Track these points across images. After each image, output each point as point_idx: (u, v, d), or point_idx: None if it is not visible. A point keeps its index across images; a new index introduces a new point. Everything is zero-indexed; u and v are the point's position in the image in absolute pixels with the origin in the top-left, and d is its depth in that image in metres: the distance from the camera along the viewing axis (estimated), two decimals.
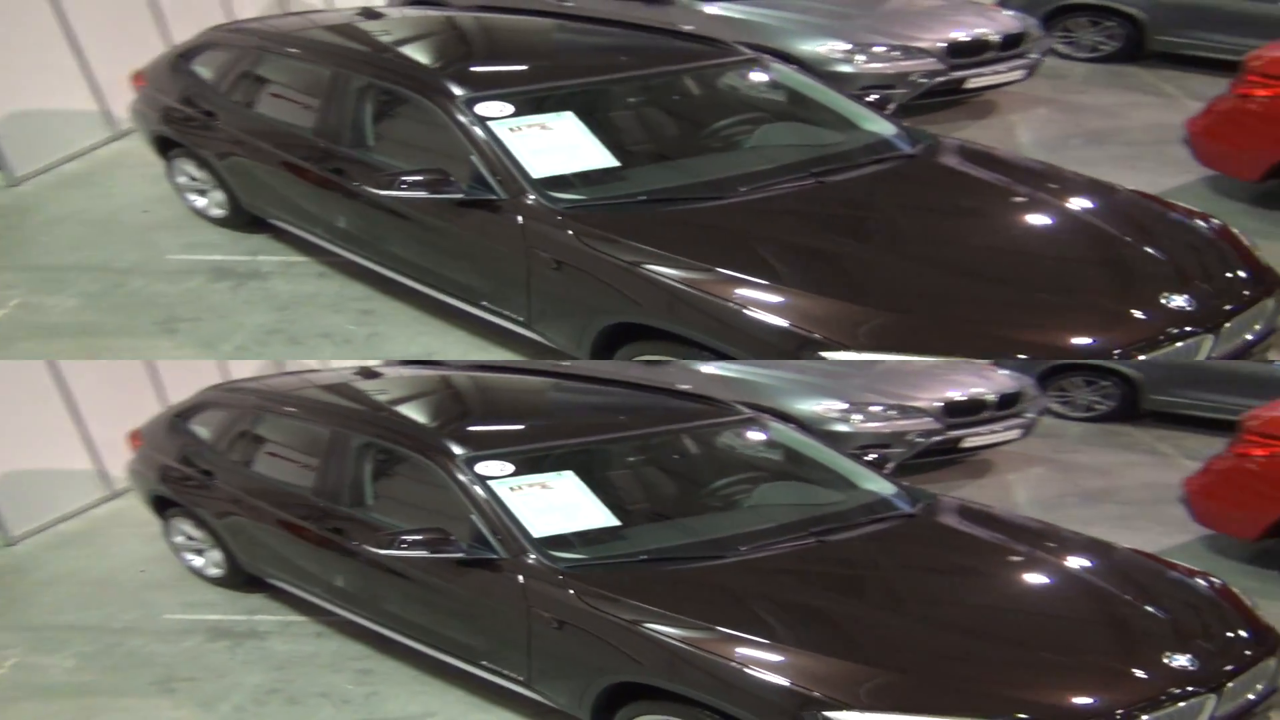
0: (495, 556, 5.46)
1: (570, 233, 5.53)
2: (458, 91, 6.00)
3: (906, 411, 8.06)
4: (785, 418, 6.57)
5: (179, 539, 7.40)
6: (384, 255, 6.42)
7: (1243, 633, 5.11)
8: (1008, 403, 8.34)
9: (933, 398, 8.09)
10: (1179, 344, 5.15)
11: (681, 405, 6.48)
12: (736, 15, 8.40)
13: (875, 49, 8.22)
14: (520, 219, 5.66)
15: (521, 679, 5.53)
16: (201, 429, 7.31)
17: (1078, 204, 5.86)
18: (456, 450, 5.75)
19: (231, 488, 6.90)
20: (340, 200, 6.42)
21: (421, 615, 5.93)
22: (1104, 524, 7.05)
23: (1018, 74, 8.56)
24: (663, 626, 4.99)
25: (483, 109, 5.91)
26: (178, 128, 7.33)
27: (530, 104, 5.98)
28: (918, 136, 6.24)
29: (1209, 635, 5.06)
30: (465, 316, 6.25)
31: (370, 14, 7.05)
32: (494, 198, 5.73)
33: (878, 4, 8.66)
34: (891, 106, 6.81)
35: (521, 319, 5.89)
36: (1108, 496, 8.13)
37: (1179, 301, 5.24)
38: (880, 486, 6.08)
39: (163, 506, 7.46)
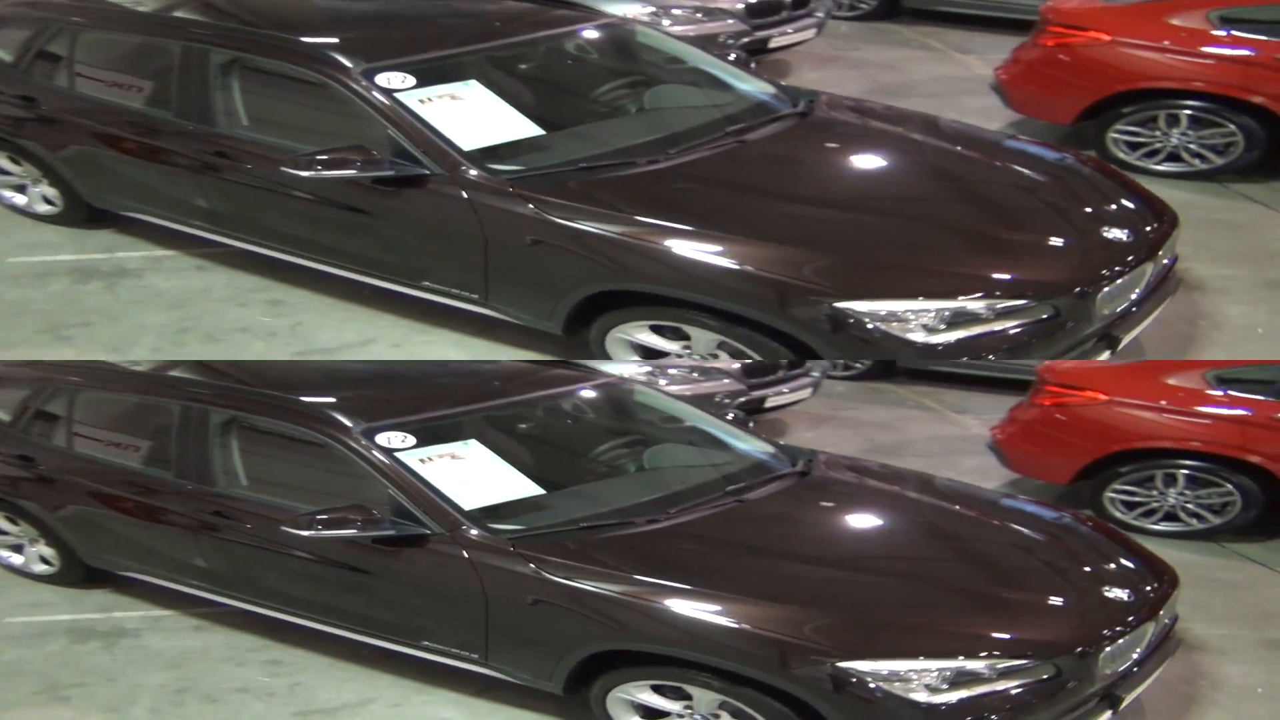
0: (427, 532, 5.33)
1: (531, 206, 5.40)
2: (349, 63, 5.76)
3: (712, 14, 8.29)
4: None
5: None
6: (290, 241, 6.10)
7: (1144, 565, 5.53)
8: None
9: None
10: (1127, 275, 5.40)
11: (552, 372, 6.39)
12: None
13: (676, 11, 8.32)
14: (464, 194, 5.49)
15: (475, 657, 5.40)
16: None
17: (986, 150, 6.16)
18: (347, 422, 5.57)
19: (62, 475, 6.44)
20: (229, 186, 6.06)
21: (339, 598, 5.70)
22: None
23: (810, 32, 8.80)
24: (637, 591, 5.00)
25: (384, 80, 5.70)
26: None
27: (427, 74, 5.79)
28: (794, 94, 6.37)
29: (1127, 569, 5.43)
30: (389, 299, 6.05)
31: None
32: (425, 173, 5.58)
33: None
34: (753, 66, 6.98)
35: (476, 296, 5.72)
36: (905, 450, 8.56)
37: (1119, 234, 5.54)
38: (755, 445, 6.23)
39: None
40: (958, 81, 8.48)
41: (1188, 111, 7.24)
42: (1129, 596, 5.17)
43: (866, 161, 6.11)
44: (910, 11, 10.11)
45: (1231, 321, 6.26)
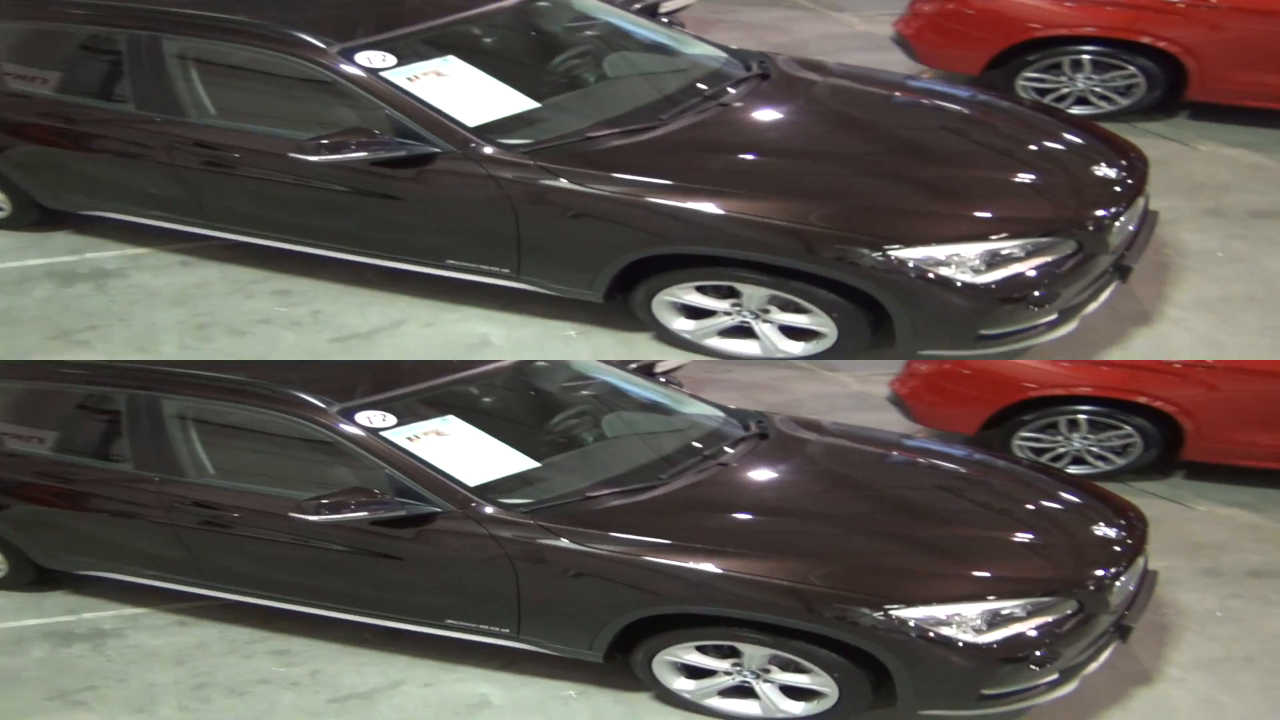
0: (438, 510, 5.39)
1: (563, 179, 5.46)
2: (320, 44, 5.71)
3: None
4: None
5: None
6: (297, 230, 6.03)
7: (1117, 506, 5.80)
8: None
9: None
10: (1130, 206, 5.71)
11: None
12: None
13: None
14: (483, 169, 5.52)
15: (507, 631, 5.48)
16: None
17: (952, 100, 6.37)
18: (318, 403, 5.56)
19: (6, 475, 6.24)
20: (222, 179, 5.95)
21: (349, 583, 5.70)
22: None
23: None
24: (671, 555, 5.15)
25: (366, 60, 5.68)
26: None
27: (404, 51, 5.77)
28: (743, 55, 6.48)
29: (1106, 510, 5.72)
30: (400, 280, 6.04)
31: None
32: (436, 151, 5.59)
33: None
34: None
35: (508, 270, 5.75)
36: (796, 409, 8.94)
37: (1109, 171, 5.81)
38: (703, 409, 6.34)
39: None
40: (844, 39, 8.67)
41: (1087, 56, 7.52)
42: (1118, 533, 5.53)
43: (852, 116, 6.25)
44: None
45: (1192, 248, 6.60)
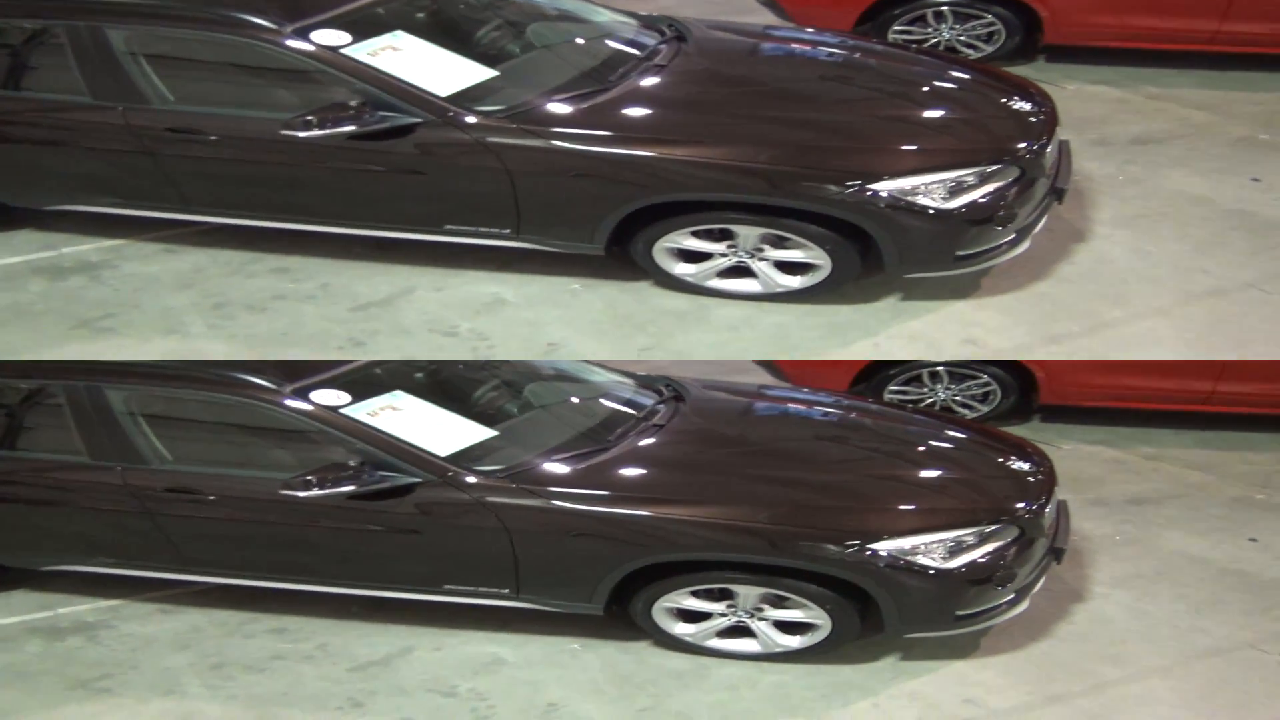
0: (418, 480, 5.71)
1: (554, 141, 5.82)
2: (271, 24, 5.89)
3: None
4: None
5: None
6: (288, 208, 6.22)
7: (1020, 444, 6.48)
8: None
9: None
10: (1051, 139, 6.25)
11: None
12: None
13: None
14: (469, 136, 5.82)
15: (506, 592, 5.86)
16: None
17: (873, 51, 6.92)
18: (268, 384, 5.80)
19: None
20: (203, 162, 6.10)
21: (342, 558, 5.95)
22: None
23: None
24: (657, 508, 5.61)
25: (322, 39, 5.90)
26: None
27: (355, 28, 6.01)
28: (650, 20, 6.84)
29: (1013, 444, 6.42)
30: (393, 249, 6.23)
31: None
32: (417, 121, 5.85)
33: None
34: None
35: (508, 231, 6.07)
36: None
37: (1025, 104, 6.42)
38: (611, 376, 6.73)
39: None
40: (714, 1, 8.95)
41: (945, 7, 8.08)
42: (1032, 465, 6.19)
43: (780, 69, 6.72)
44: None
45: (1096, 174, 7.22)
